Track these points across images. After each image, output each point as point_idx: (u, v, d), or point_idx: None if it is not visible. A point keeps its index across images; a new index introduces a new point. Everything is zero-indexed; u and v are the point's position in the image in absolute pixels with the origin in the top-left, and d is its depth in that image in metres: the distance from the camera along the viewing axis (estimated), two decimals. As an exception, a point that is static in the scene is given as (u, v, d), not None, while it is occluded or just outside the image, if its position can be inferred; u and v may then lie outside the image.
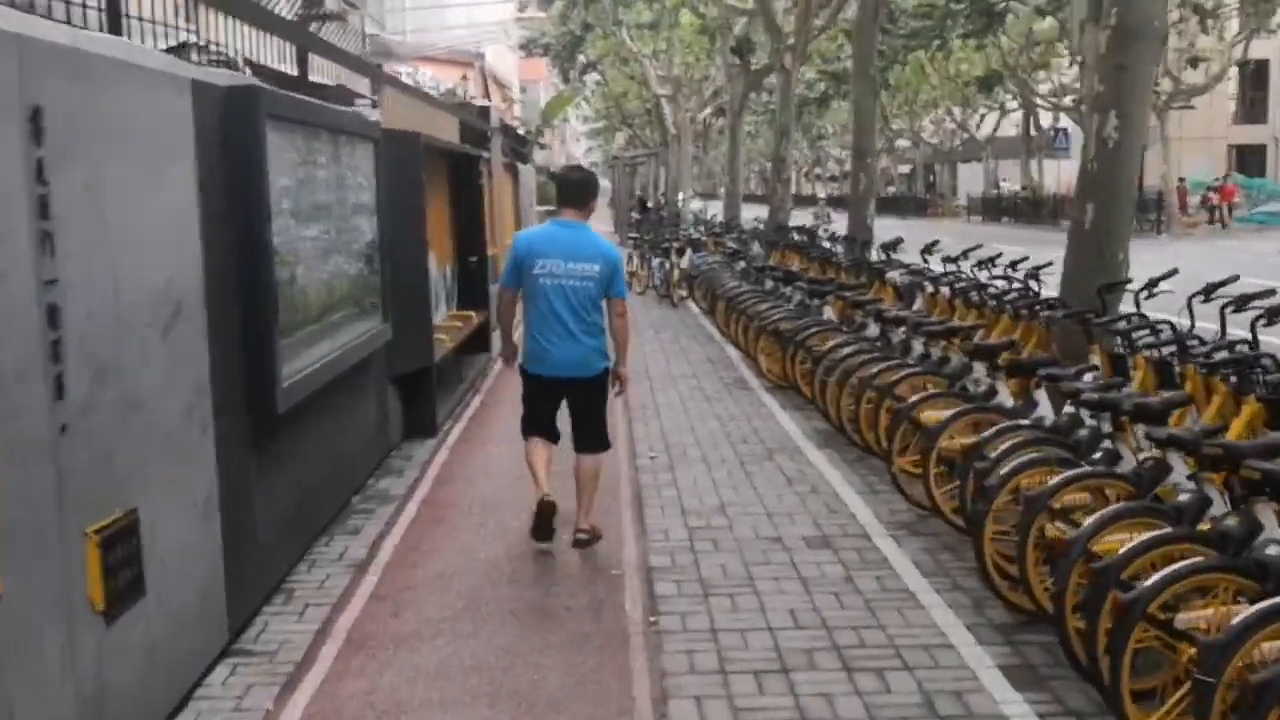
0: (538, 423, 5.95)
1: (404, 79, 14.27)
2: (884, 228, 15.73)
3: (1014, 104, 51.59)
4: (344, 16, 17.47)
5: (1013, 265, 8.85)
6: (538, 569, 5.63)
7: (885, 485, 6.87)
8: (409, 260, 8.12)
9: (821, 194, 61.74)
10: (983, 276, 9.27)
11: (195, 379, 4.31)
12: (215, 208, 4.57)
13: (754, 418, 9.14)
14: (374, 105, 8.25)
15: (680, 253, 19.05)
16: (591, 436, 5.92)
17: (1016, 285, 8.59)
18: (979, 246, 10.05)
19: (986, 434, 5.50)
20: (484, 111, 17.13)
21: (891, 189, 74.60)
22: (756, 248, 19.33)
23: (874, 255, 12.68)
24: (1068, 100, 45.76)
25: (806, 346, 9.42)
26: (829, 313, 10.60)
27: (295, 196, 5.46)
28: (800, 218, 24.33)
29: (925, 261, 10.80)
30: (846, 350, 8.33)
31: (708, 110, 38.05)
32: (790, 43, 18.49)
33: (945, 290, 9.65)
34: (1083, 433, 5.27)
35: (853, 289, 10.30)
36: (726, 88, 35.97)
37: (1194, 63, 37.16)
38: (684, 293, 18.43)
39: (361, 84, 8.67)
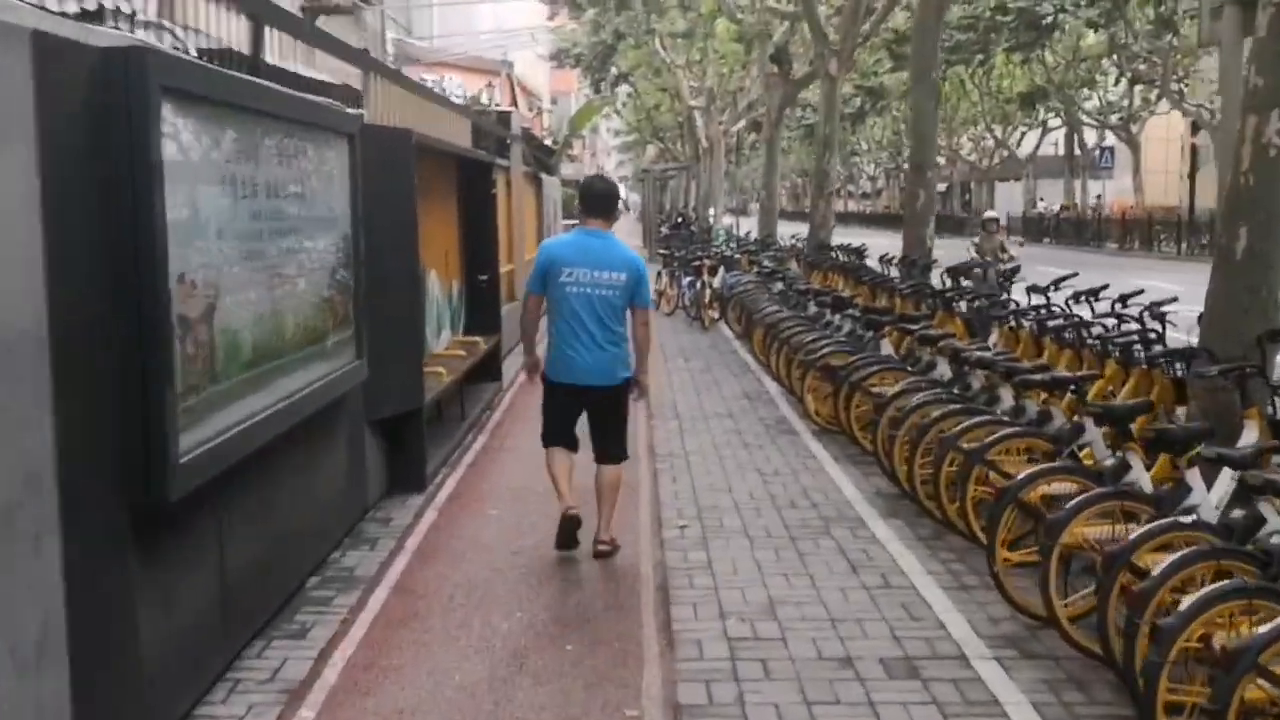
0: (558, 432, 5.99)
1: (430, 86, 13.09)
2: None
3: (1056, 122, 50.03)
4: (355, 11, 16.24)
5: (1123, 300, 7.39)
6: (527, 702, 4.24)
7: (978, 578, 5.45)
8: (396, 282, 6.78)
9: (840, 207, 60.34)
10: (1082, 312, 7.81)
11: (22, 464, 2.97)
12: (73, 212, 3.23)
13: (802, 472, 7.73)
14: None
15: (713, 271, 17.65)
16: (611, 446, 5.96)
17: (1124, 323, 7.13)
18: (1074, 274, 8.61)
19: (1139, 533, 4.08)
20: (504, 116, 15.83)
21: (927, 207, 73.06)
22: (794, 267, 17.94)
23: (935, 280, 11.28)
24: (1114, 119, 44.19)
25: (865, 388, 8.01)
26: (886, 347, 9.19)
27: (218, 203, 4.12)
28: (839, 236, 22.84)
29: (1005, 291, 9.34)
30: (918, 398, 6.90)
31: (741, 123, 36.67)
32: (835, 48, 17.11)
33: (1028, 326, 8.22)
34: (1276, 540, 3.85)
35: (916, 320, 8.87)
36: (762, 99, 34.65)
37: (1251, 80, 35.35)
38: (715, 314, 17.02)
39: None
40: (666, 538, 6.20)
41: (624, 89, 48.17)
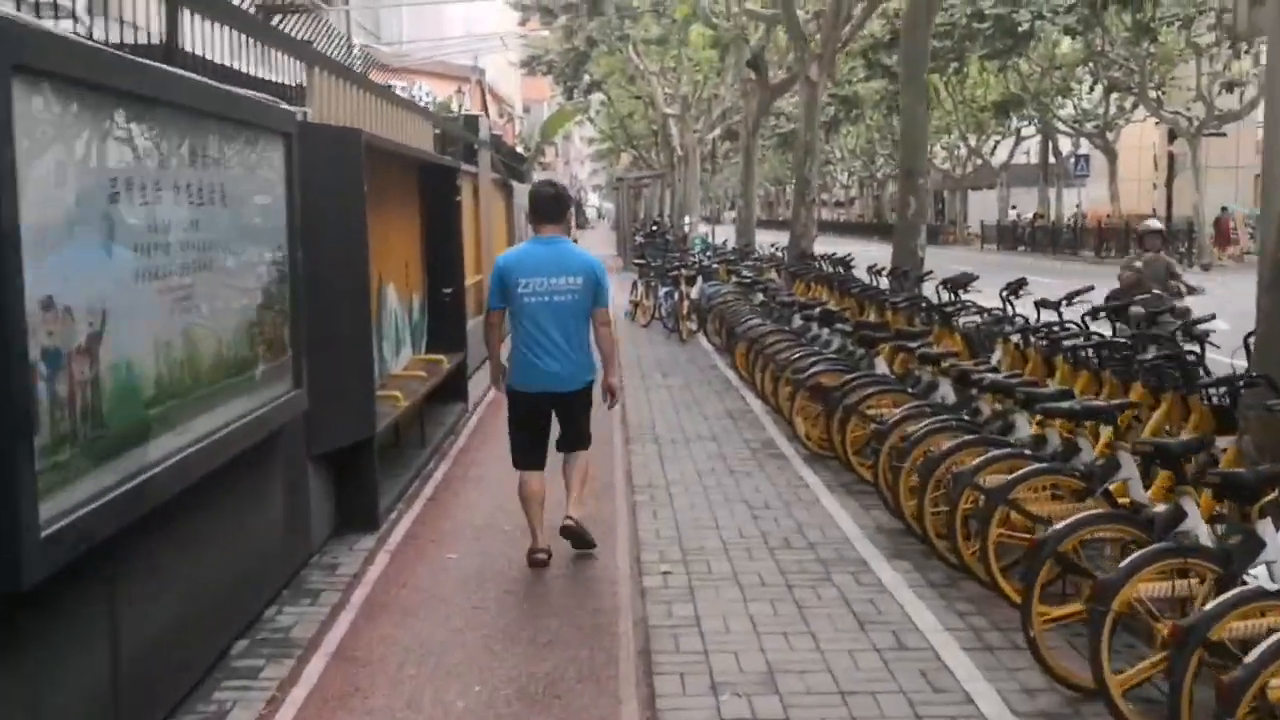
0: (528, 450, 5.95)
1: (399, 93, 12.39)
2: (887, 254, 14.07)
3: (1030, 130, 49.76)
4: (315, 11, 15.49)
5: (1151, 319, 6.73)
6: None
7: (1002, 635, 4.79)
8: (343, 299, 6.06)
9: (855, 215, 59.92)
10: (1094, 328, 7.16)
11: None
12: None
13: (794, 505, 7.04)
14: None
15: (690, 281, 16.97)
16: (576, 438, 6.05)
17: (1152, 344, 6.48)
18: (1089, 289, 7.97)
19: (1220, 603, 3.42)
20: (472, 121, 15.14)
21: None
22: (775, 278, 17.31)
23: (926, 292, 10.63)
24: (1090, 126, 43.89)
25: (862, 412, 7.34)
26: (880, 365, 8.53)
27: (103, 211, 3.40)
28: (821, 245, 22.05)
29: (1011, 306, 8.69)
30: (924, 425, 6.23)
31: (716, 131, 36.09)
32: (816, 52, 16.50)
33: (1037, 344, 7.58)
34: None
35: (914, 336, 8.21)
36: (738, 106, 34.09)
37: (1230, 87, 35.13)
38: (693, 326, 16.35)
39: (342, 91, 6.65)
40: (648, 587, 5.49)
41: (597, 97, 47.60)
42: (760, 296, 14.17)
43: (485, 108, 32.00)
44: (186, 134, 4.07)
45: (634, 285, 18.94)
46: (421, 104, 13.50)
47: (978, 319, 8.47)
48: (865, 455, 7.49)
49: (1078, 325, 7.33)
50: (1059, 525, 4.31)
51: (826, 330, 10.08)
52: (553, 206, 5.90)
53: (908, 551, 6.03)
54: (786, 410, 9.18)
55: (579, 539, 5.97)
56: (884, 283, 11.86)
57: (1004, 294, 8.74)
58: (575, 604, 5.30)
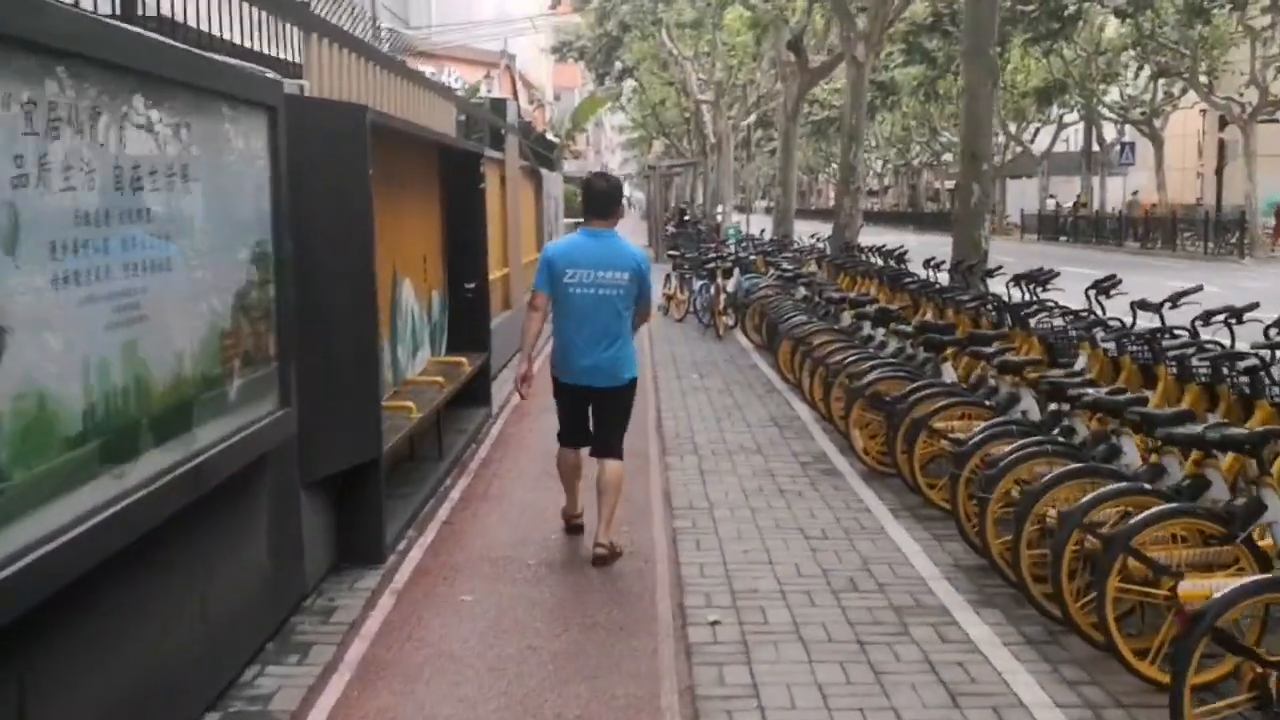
0: (570, 432, 6.01)
1: (431, 78, 11.65)
2: (932, 246, 12.73)
3: (1072, 117, 48.35)
4: (333, -11, 14.71)
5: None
6: None
7: (1125, 713, 3.94)
8: (343, 299, 5.28)
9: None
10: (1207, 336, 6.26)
11: None
12: None
13: (857, 534, 6.20)
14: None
15: (726, 274, 16.12)
16: (611, 444, 5.89)
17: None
18: (1197, 288, 7.04)
19: None
20: (499, 105, 14.33)
21: (934, 205, 71.43)
22: (819, 271, 16.44)
23: (990, 289, 9.70)
24: (1136, 113, 42.47)
25: (932, 428, 6.49)
26: (948, 372, 7.66)
27: (6, 196, 2.61)
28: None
29: (1101, 305, 7.75)
30: (1014, 449, 5.36)
31: (751, 118, 35.10)
32: (863, 31, 15.56)
33: (1134, 351, 6.68)
34: None
35: (987, 340, 7.32)
36: (776, 91, 33.14)
37: (1284, 72, 33.78)
38: (730, 321, 15.52)
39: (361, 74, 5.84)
40: (694, 642, 4.67)
41: (629, 84, 46.66)
42: (802, 291, 13.31)
43: (515, 93, 31.19)
44: (134, 102, 3.28)
45: (666, 278, 18.10)
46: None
47: (1059, 320, 7.54)
48: (931, 472, 6.66)
49: (1187, 331, 6.42)
50: (1220, 594, 3.44)
51: (881, 331, 9.22)
52: (605, 201, 5.85)
53: (995, 597, 5.19)
54: (839, 419, 8.34)
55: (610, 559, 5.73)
56: (942, 277, 10.93)
57: (1092, 293, 7.81)
58: (609, 665, 4.48)
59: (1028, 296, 8.63)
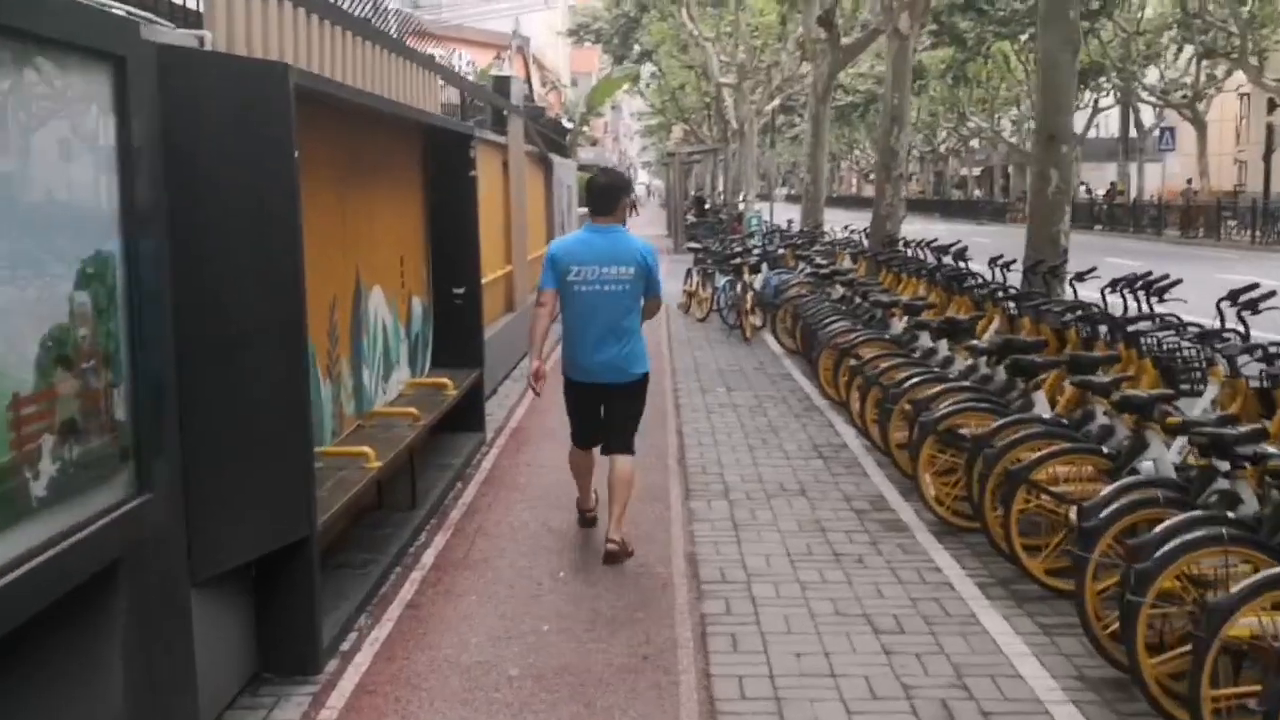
0: (584, 432, 5.89)
1: (439, 62, 10.27)
2: (962, 235, 11.06)
3: (1107, 101, 46.39)
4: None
5: None
6: None
7: None
8: (255, 328, 3.87)
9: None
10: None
11: None
12: None
13: (943, 626, 4.76)
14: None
15: (754, 269, 14.65)
16: (623, 439, 5.73)
17: None
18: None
19: None
20: (503, 83, 12.89)
21: (959, 193, 69.49)
22: (853, 266, 14.96)
23: (1071, 292, 8.19)
24: (1178, 96, 40.53)
25: (1036, 483, 5.04)
26: (1041, 402, 6.19)
27: None
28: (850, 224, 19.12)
29: (1244, 324, 6.21)
30: (1184, 531, 3.90)
31: (775, 102, 33.48)
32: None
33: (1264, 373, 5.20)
34: None
35: (1092, 365, 5.84)
36: (801, 74, 31.56)
37: None
38: (758, 322, 14.07)
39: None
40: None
41: (648, 68, 45.07)
42: (840, 290, 11.86)
43: (529, 76, 29.69)
44: None
45: (688, 274, 16.66)
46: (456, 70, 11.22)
47: (1174, 339, 6.06)
48: (1024, 528, 5.22)
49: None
50: None
51: (945, 344, 7.76)
52: (608, 198, 5.73)
53: (1151, 735, 3.75)
54: (897, 450, 6.91)
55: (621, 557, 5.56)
56: (1003, 277, 9.43)
57: (1226, 305, 6.27)
58: None
59: (1136, 307, 7.12)
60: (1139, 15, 38.24)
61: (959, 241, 11.21)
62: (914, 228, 17.28)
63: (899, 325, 9.36)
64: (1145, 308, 6.99)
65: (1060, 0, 8.76)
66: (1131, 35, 38.31)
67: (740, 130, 33.44)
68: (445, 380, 7.19)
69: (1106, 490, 4.47)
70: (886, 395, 7.23)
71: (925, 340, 8.22)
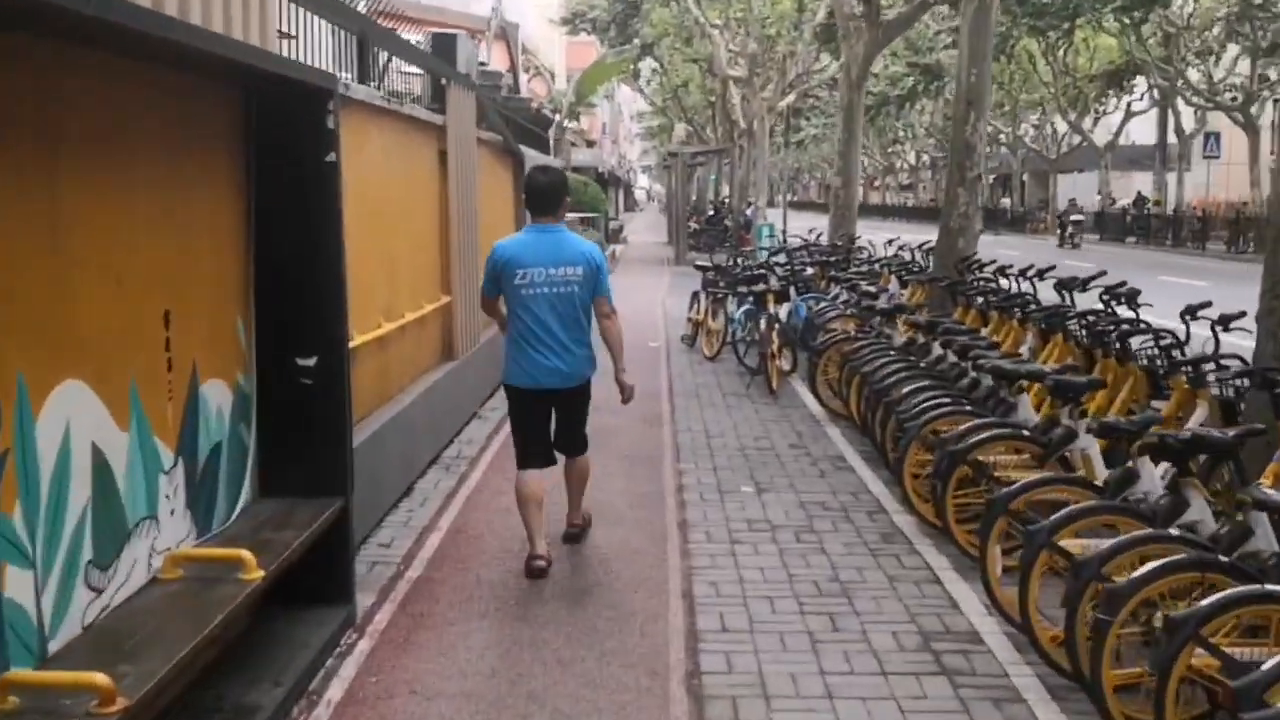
0: (534, 448, 5.58)
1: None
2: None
3: (1141, 104, 42.92)
4: None
5: None
6: None
7: None
8: None
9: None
10: None
11: None
12: None
13: None
14: None
15: (780, 298, 11.19)
16: (577, 442, 5.74)
17: None
18: None
19: None
20: (446, 41, 9.46)
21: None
22: (907, 291, 11.65)
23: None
24: (1227, 98, 37.02)
25: None
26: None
27: None
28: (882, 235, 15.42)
29: None
30: None
31: (790, 97, 30.07)
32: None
33: None
34: None
35: None
36: (824, 65, 28.24)
37: None
38: (787, 365, 10.60)
39: None
40: None
41: (649, 64, 41.72)
42: (899, 334, 8.53)
43: (514, 64, 26.34)
44: None
45: (693, 299, 13.29)
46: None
47: None
48: None
49: None
50: None
51: (1096, 423, 4.40)
52: (549, 198, 5.48)
53: None
54: (1089, 660, 3.54)
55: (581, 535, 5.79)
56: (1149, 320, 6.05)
57: None
58: None
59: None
60: (1188, 8, 34.79)
61: (1124, 282, 7.51)
62: (917, 236, 14.13)
63: (1028, 405, 6.01)
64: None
65: None
66: (1180, 30, 34.91)
67: (749, 130, 30.08)
68: (242, 553, 3.75)
69: None
70: (1076, 569, 3.87)
71: (1084, 433, 4.85)
